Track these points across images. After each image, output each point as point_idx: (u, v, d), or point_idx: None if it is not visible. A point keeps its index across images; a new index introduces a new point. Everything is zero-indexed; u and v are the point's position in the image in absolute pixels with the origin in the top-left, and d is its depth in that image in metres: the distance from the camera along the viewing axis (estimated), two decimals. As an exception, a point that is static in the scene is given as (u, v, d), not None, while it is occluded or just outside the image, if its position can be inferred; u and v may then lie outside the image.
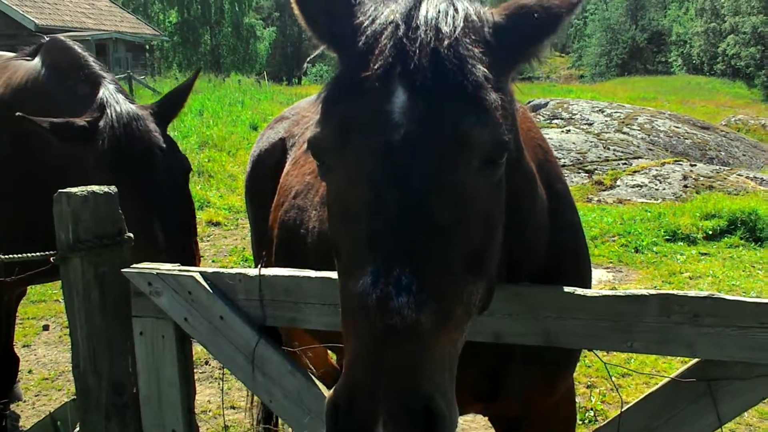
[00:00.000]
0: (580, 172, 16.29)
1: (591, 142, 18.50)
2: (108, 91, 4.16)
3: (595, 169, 16.35)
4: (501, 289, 2.21)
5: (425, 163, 1.68)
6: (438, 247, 1.65)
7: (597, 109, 22.42)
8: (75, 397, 3.05)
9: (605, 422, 2.32)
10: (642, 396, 2.25)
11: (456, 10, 1.84)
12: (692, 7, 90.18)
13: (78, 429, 2.83)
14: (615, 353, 6.88)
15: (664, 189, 14.78)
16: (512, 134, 1.89)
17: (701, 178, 15.38)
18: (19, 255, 2.95)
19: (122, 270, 2.71)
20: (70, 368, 6.77)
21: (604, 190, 14.74)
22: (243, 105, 29.80)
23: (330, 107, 1.82)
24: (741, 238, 10.56)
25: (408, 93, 1.72)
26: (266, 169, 4.11)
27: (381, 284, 1.58)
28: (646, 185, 14.94)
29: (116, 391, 2.77)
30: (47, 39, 4.72)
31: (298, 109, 4.42)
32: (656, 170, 15.89)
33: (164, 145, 4.00)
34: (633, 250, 10.24)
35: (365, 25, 1.84)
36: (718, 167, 17.08)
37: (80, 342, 2.76)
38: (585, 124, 20.33)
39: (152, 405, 2.76)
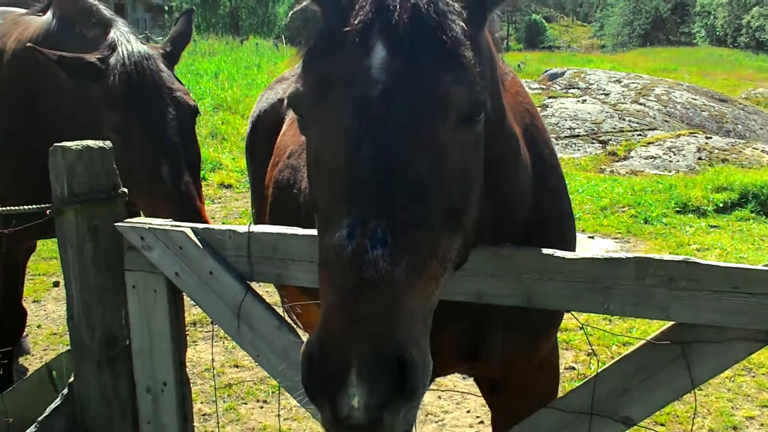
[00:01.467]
0: (594, 143, 16.23)
1: (606, 112, 18.39)
2: (119, 31, 4.20)
3: (610, 140, 16.27)
4: (483, 249, 2.24)
5: (402, 118, 1.70)
6: (414, 202, 1.67)
7: (614, 79, 22.25)
8: (70, 348, 3.12)
9: (582, 382, 2.35)
10: (618, 358, 2.28)
11: None
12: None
13: (71, 380, 2.89)
14: (615, 322, 6.93)
15: (678, 161, 14.71)
16: (491, 93, 1.91)
17: (716, 151, 15.28)
18: (15, 208, 3.00)
19: (115, 224, 2.75)
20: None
21: (617, 161, 14.68)
22: (259, 68, 29.71)
23: (310, 62, 1.84)
24: (752, 212, 10.52)
25: (387, 49, 1.74)
26: (265, 130, 4.14)
27: (357, 236, 1.60)
28: (660, 157, 14.87)
29: (109, 344, 2.83)
30: None
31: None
32: (671, 142, 15.80)
33: (173, 86, 4.05)
34: (642, 221, 10.23)
35: None
36: (734, 140, 16.95)
37: (74, 295, 2.82)
38: (601, 94, 20.20)
39: (144, 357, 2.82)
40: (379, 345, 1.52)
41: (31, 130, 4.45)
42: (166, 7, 48.09)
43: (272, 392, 5.79)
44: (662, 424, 5.23)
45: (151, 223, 2.73)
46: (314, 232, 2.53)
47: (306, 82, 1.83)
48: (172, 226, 2.70)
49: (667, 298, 2.09)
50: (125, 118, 3.89)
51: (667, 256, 2.10)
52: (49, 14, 4.60)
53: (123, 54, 4.01)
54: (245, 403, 5.67)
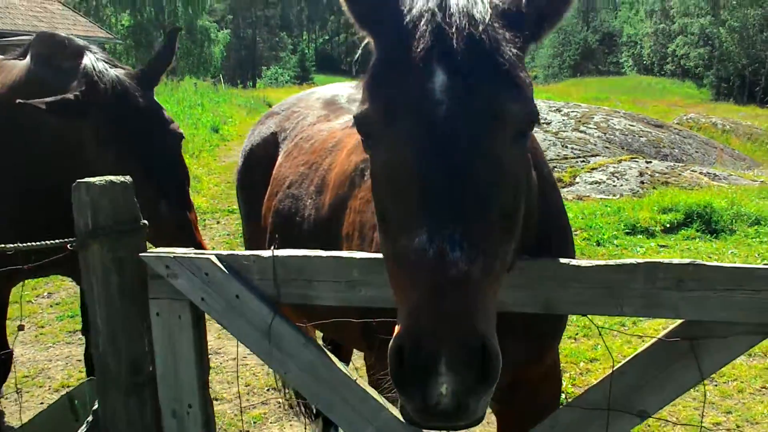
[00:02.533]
0: (539, 170, 16.60)
1: (549, 140, 18.86)
2: (90, 60, 4.27)
3: (555, 167, 16.68)
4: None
5: (467, 135, 1.89)
6: (481, 209, 1.86)
7: (554, 108, 22.82)
8: (90, 377, 3.20)
9: (598, 380, 2.54)
10: (631, 356, 2.48)
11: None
12: (642, 8, 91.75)
13: (96, 407, 2.97)
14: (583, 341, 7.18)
15: (621, 185, 15.17)
16: None
17: (657, 174, 15.80)
18: (36, 243, 3.08)
19: (140, 254, 2.86)
20: (48, 366, 6.87)
21: (564, 187, 15.06)
22: (203, 107, 29.73)
23: (376, 86, 2.02)
24: (697, 231, 10.93)
25: (448, 73, 1.93)
26: (259, 162, 4.29)
27: (437, 241, 1.78)
28: (604, 182, 15.32)
29: (134, 370, 2.92)
30: (34, 36, 4.84)
31: (288, 105, 4.60)
32: (613, 167, 16.28)
33: (162, 116, 4.15)
34: (595, 244, 10.55)
35: (404, 12, 2.03)
36: (672, 164, 17.53)
37: (100, 325, 2.91)
38: (543, 123, 20.69)
39: (169, 382, 2.91)
40: (465, 337, 1.69)
41: (19, 171, 4.51)
42: (106, 46, 47.73)
43: (254, 422, 5.87)
44: None
45: (175, 252, 2.85)
46: (336, 253, 2.69)
47: (372, 105, 2.01)
48: (196, 254, 2.82)
49: (677, 298, 2.29)
50: (119, 155, 3.97)
51: (675, 260, 2.31)
52: (28, 57, 4.69)
53: (101, 89, 4.09)
54: (229, 435, 5.74)
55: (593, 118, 21.89)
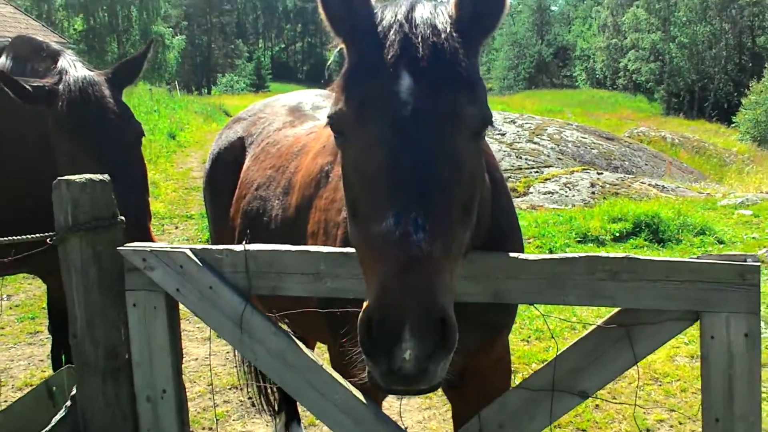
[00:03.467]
0: (494, 180, 16.99)
1: (504, 151, 19.26)
2: (66, 60, 4.48)
3: (509, 177, 17.06)
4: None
5: (430, 132, 2.14)
6: (441, 198, 2.10)
7: (509, 120, 23.28)
8: (68, 365, 3.36)
9: (544, 364, 2.78)
10: (573, 342, 2.72)
11: (440, 11, 2.32)
12: (595, 23, 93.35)
13: (74, 393, 3.13)
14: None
15: (573, 195, 15.59)
16: None
17: (607, 186, 16.26)
18: (19, 237, 3.24)
19: (119, 248, 3.04)
20: (10, 366, 6.95)
21: (518, 197, 15.43)
22: (159, 114, 29.66)
23: (349, 89, 2.25)
24: (645, 240, 11.32)
25: (414, 77, 2.17)
26: (226, 166, 4.48)
27: (402, 224, 2.01)
28: (557, 192, 15.72)
29: (111, 357, 3.09)
30: (10, 39, 4.99)
31: (254, 111, 4.80)
32: (566, 178, 16.71)
33: (118, 110, 4.31)
34: (547, 251, 10.88)
35: (375, 23, 2.29)
36: (622, 175, 18.03)
37: (78, 314, 3.07)
38: (498, 134, 21.11)
39: (144, 368, 3.09)
40: (427, 308, 1.92)
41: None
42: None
43: (217, 419, 6.03)
44: (583, 430, 5.73)
45: (152, 246, 3.03)
46: (304, 247, 2.91)
47: (346, 104, 2.24)
48: (172, 248, 3.01)
49: (614, 288, 2.55)
50: (74, 143, 4.14)
51: (611, 254, 2.57)
52: (2, 58, 4.83)
53: (69, 81, 4.28)
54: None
55: (547, 130, 22.37)
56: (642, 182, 16.80)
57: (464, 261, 2.65)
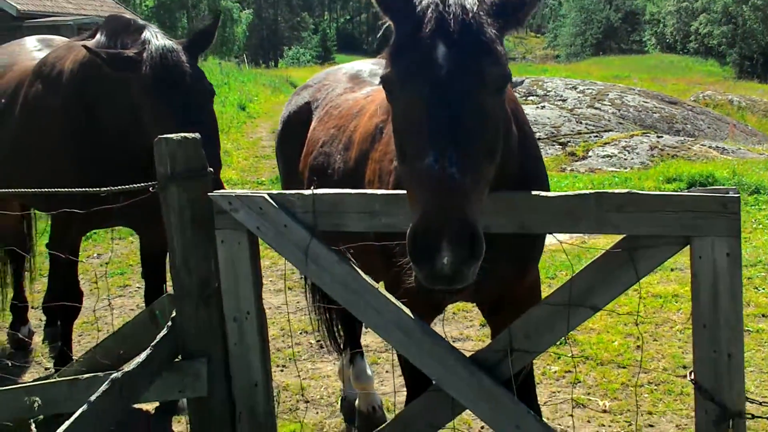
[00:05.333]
0: (554, 145, 17.33)
1: (564, 116, 19.54)
2: (149, 32, 5.18)
3: (568, 142, 17.39)
4: (488, 195, 3.19)
5: (460, 89, 2.69)
6: (471, 141, 2.65)
7: (570, 86, 23.46)
8: (167, 293, 4.00)
9: (560, 285, 3.31)
10: (585, 265, 3.25)
11: None
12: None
13: (174, 315, 3.77)
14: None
15: (632, 159, 15.86)
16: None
17: (667, 149, 16.47)
18: (128, 186, 3.89)
19: (208, 194, 3.65)
20: (105, 314, 7.72)
21: (576, 161, 15.77)
22: (229, 87, 30.55)
23: (396, 56, 2.84)
24: (699, 199, 11.60)
25: (447, 45, 2.73)
26: (295, 127, 5.11)
27: (440, 161, 2.56)
28: (616, 155, 16.01)
29: (203, 285, 3.71)
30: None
31: (319, 79, 5.41)
32: (625, 142, 16.96)
33: (193, 73, 5.01)
34: (602, 211, 11.26)
35: (415, 3, 2.84)
36: (683, 138, 18.18)
37: (176, 249, 3.70)
38: (559, 100, 21.38)
39: (231, 294, 3.70)
40: (460, 225, 2.48)
41: (92, 130, 5.35)
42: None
43: (289, 358, 6.69)
44: (624, 367, 6.23)
45: (236, 192, 3.65)
46: (361, 191, 3.48)
47: (394, 68, 2.82)
48: (253, 193, 3.61)
49: (619, 218, 3.05)
50: (156, 101, 4.83)
51: (617, 191, 3.08)
52: (97, 35, 5.51)
53: (152, 48, 4.98)
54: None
55: (608, 95, 22.52)
56: (702, 145, 16.95)
57: (495, 198, 3.20)
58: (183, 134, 3.67)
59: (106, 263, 9.66)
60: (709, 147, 16.76)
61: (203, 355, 3.74)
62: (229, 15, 76.19)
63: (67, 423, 3.31)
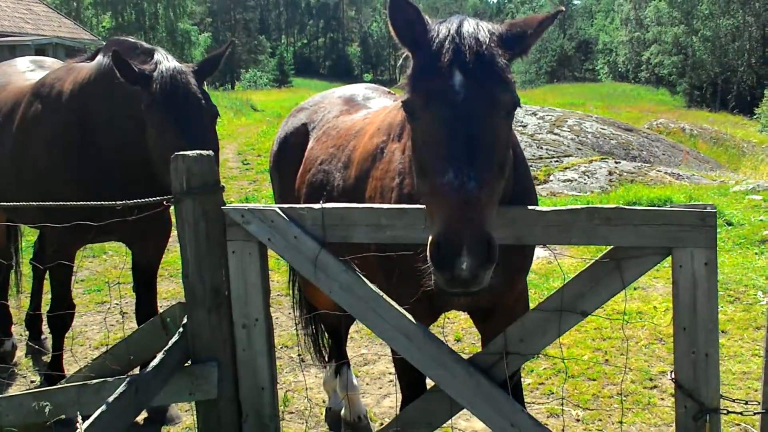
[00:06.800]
0: (516, 169, 17.77)
1: (525, 142, 20.03)
2: (160, 54, 5.42)
3: (531, 166, 17.74)
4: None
5: (476, 112, 2.99)
6: (485, 159, 2.95)
7: (530, 112, 24.01)
8: (179, 301, 4.20)
9: (553, 292, 3.61)
10: (576, 274, 3.55)
11: (483, 27, 3.18)
12: (617, 17, 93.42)
13: (185, 322, 3.99)
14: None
15: (592, 183, 16.35)
16: None
17: (625, 174, 17.01)
18: (140, 200, 4.11)
19: (222, 207, 3.89)
20: (85, 330, 7.83)
21: (538, 185, 16.19)
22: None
23: (417, 82, 3.13)
24: (658, 223, 12.06)
25: (463, 74, 3.03)
26: (292, 147, 5.37)
27: (459, 177, 2.85)
28: (576, 180, 16.49)
29: (215, 293, 3.93)
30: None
31: (314, 101, 5.70)
32: (585, 167, 17.47)
33: (199, 94, 5.27)
34: (565, 233, 11.65)
35: (433, 35, 3.15)
36: (640, 164, 18.76)
37: (189, 259, 3.92)
38: (520, 126, 21.88)
39: (240, 302, 3.93)
40: (478, 234, 2.77)
41: (90, 149, 5.55)
42: (86, 52, 48.42)
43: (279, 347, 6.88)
44: (593, 379, 6.56)
45: (248, 206, 3.89)
46: (367, 205, 3.75)
47: (415, 94, 3.12)
48: (264, 207, 3.86)
49: (607, 231, 3.37)
50: (163, 118, 5.07)
51: (606, 206, 3.40)
52: (99, 57, 5.72)
53: (163, 69, 5.22)
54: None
55: (567, 121, 23.12)
56: (658, 170, 17.53)
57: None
58: (199, 151, 3.90)
59: (82, 280, 9.77)
60: (665, 173, 17.36)
61: (213, 359, 3.96)
62: (187, 38, 76.06)
63: (87, 422, 3.52)
